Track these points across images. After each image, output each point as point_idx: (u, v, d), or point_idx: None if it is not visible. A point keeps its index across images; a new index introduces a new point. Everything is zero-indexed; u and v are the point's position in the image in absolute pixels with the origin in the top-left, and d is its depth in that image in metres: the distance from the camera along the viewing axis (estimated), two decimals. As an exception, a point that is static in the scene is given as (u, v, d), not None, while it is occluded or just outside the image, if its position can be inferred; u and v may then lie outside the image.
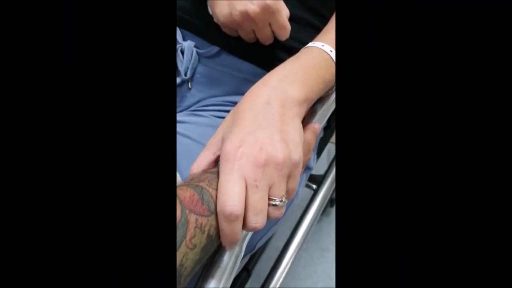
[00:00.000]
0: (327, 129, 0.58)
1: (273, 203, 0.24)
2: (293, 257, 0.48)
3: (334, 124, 0.59)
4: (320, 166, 0.60)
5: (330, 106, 0.40)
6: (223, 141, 0.26)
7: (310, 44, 0.34)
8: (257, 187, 0.23)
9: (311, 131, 0.32)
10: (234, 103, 0.30)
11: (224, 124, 0.28)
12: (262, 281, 0.47)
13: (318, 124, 0.34)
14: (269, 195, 0.24)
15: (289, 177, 0.25)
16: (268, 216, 0.24)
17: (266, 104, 0.27)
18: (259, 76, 0.33)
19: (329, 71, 0.32)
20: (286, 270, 0.48)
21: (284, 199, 0.25)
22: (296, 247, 0.47)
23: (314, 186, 0.53)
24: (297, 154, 0.25)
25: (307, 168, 0.41)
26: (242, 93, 0.30)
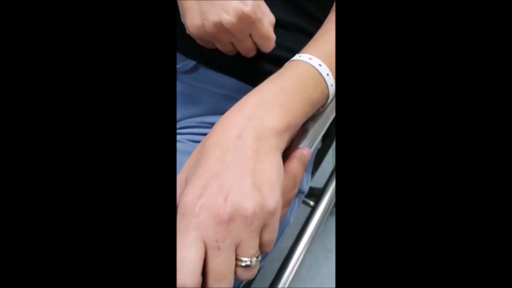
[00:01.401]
0: (326, 138, 0.54)
1: (243, 264, 0.20)
2: (299, 259, 0.44)
3: (334, 132, 0.55)
4: (319, 178, 0.56)
5: (324, 122, 0.36)
6: (186, 184, 0.22)
7: (296, 57, 0.29)
8: (219, 248, 0.19)
9: (298, 159, 0.28)
10: (212, 125, 0.26)
11: (190, 160, 0.24)
12: (267, 284, 0.44)
13: (307, 149, 0.30)
14: (236, 255, 0.20)
15: (264, 227, 0.21)
16: (238, 277, 0.20)
17: (237, 138, 0.22)
18: (242, 92, 0.29)
19: (318, 90, 0.28)
20: (293, 273, 0.45)
21: (256, 258, 0.21)
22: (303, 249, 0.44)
23: (312, 203, 0.49)
24: (272, 200, 0.21)
25: (299, 192, 0.37)
26: (222, 112, 0.26)
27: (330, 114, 0.37)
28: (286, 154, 0.31)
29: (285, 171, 0.27)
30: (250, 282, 0.46)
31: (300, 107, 0.26)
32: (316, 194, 0.50)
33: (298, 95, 0.26)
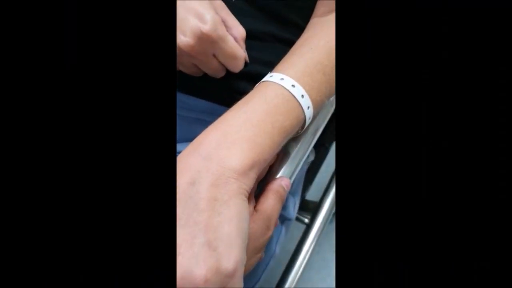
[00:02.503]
0: (320, 148, 0.50)
1: None
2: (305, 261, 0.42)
3: (329, 141, 0.51)
4: (315, 191, 0.52)
5: (309, 141, 0.32)
6: None
7: (267, 77, 0.26)
8: None
9: (274, 194, 0.25)
10: None
11: None
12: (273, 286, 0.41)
13: (287, 180, 0.27)
14: None
15: None
16: None
17: (191, 186, 0.19)
18: (216, 114, 0.26)
19: (291, 115, 0.24)
20: (298, 275, 0.42)
21: None
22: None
23: (306, 220, 0.46)
24: (230, 260, 0.18)
25: (286, 219, 0.34)
26: (193, 138, 0.23)
27: (319, 125, 0.34)
28: (264, 184, 0.28)
29: (257, 210, 0.24)
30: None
31: (269, 139, 0.23)
32: (312, 209, 0.47)
33: (267, 125, 0.23)
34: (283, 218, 0.34)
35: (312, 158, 0.49)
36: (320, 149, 0.51)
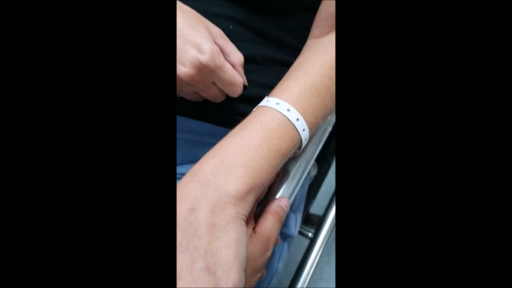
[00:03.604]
0: (323, 162, 0.51)
1: None
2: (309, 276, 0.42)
3: (331, 155, 0.52)
4: (318, 205, 0.53)
5: (308, 160, 0.33)
6: None
7: (263, 101, 0.27)
8: None
9: (273, 215, 0.26)
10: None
11: None
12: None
13: (285, 200, 0.28)
14: None
15: None
16: None
17: (190, 212, 0.20)
18: (217, 136, 0.27)
19: (287, 139, 0.25)
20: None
21: None
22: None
23: (310, 234, 0.46)
24: (229, 283, 0.19)
25: (288, 236, 0.35)
26: (196, 160, 0.24)
27: (318, 144, 0.35)
28: (264, 204, 0.29)
29: (256, 231, 0.25)
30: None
31: (266, 163, 0.24)
32: (316, 223, 0.48)
33: (263, 149, 0.24)
34: (284, 236, 0.34)
35: (314, 172, 0.50)
36: (322, 164, 0.51)
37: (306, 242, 0.46)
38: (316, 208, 0.54)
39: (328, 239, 0.46)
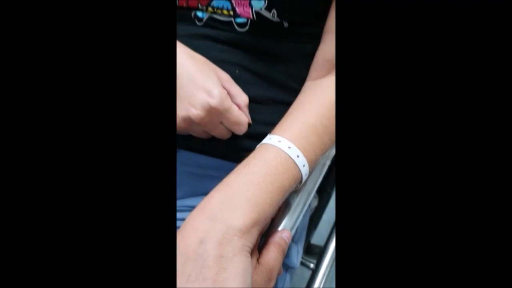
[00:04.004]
0: (323, 193, 0.52)
1: None
2: None
3: (331, 186, 0.53)
4: (319, 235, 0.54)
5: (309, 193, 0.35)
6: None
7: (266, 139, 0.30)
8: None
9: (276, 246, 0.27)
10: (192, 208, 0.26)
11: None
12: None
13: (287, 232, 0.29)
14: None
15: None
16: None
17: (199, 244, 0.22)
18: (223, 170, 0.29)
19: (288, 175, 0.28)
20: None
21: None
22: None
23: (312, 265, 0.47)
24: None
25: (290, 267, 0.36)
26: (203, 193, 0.26)
27: (317, 178, 0.37)
28: (267, 236, 0.30)
29: (260, 262, 0.26)
30: None
31: (269, 198, 0.26)
32: (317, 253, 0.49)
33: (267, 185, 0.26)
34: (286, 267, 0.36)
35: (315, 204, 0.52)
36: (323, 195, 0.53)
37: (308, 273, 0.47)
38: (318, 238, 0.55)
39: (330, 269, 0.46)
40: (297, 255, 0.36)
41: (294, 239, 0.37)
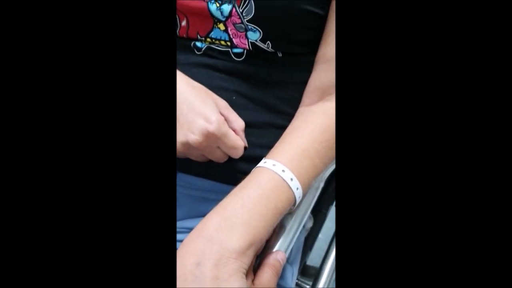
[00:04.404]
0: (318, 214, 0.53)
1: None
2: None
3: (326, 207, 0.54)
4: (315, 256, 0.54)
5: (303, 214, 0.36)
6: None
7: (261, 163, 0.31)
8: None
9: (270, 268, 0.28)
10: (190, 229, 0.27)
11: None
12: None
13: (282, 253, 0.30)
14: None
15: None
16: None
17: (196, 266, 0.23)
18: (220, 192, 0.30)
19: (283, 197, 0.29)
20: None
21: None
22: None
23: (308, 287, 0.47)
24: None
25: (284, 288, 0.36)
26: (200, 214, 0.27)
27: (311, 200, 0.38)
28: (262, 257, 0.31)
29: (254, 284, 0.27)
30: None
31: (264, 220, 0.27)
32: (313, 274, 0.49)
33: (261, 208, 0.27)
34: (281, 288, 0.36)
35: (310, 224, 0.52)
36: (318, 215, 0.54)
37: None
38: (314, 259, 0.55)
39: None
40: (291, 277, 0.37)
41: (289, 261, 0.38)
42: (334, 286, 0.63)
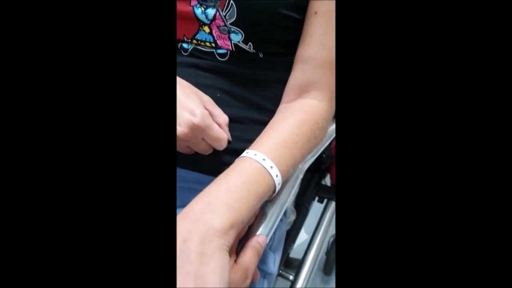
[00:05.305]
0: (301, 208, 0.56)
1: None
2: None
3: (308, 202, 0.57)
4: (298, 249, 0.57)
5: (283, 203, 0.39)
6: None
7: (244, 153, 0.34)
8: None
9: (252, 249, 0.30)
10: None
11: None
12: None
13: (263, 237, 0.32)
14: None
15: None
16: None
17: (183, 243, 0.25)
18: (205, 183, 0.32)
19: (263, 183, 0.31)
20: None
21: None
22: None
23: (291, 277, 0.49)
24: None
25: (268, 273, 0.39)
26: (185, 204, 0.29)
27: (291, 189, 0.40)
28: (244, 241, 0.33)
29: (237, 263, 0.29)
30: None
31: (245, 203, 0.29)
32: (296, 266, 0.51)
33: (243, 192, 0.29)
34: (264, 273, 0.38)
35: (293, 217, 0.55)
36: (301, 209, 0.56)
37: (287, 284, 0.49)
38: (296, 252, 0.58)
39: (308, 281, 0.49)
40: (273, 263, 0.39)
41: (271, 248, 0.40)
42: (314, 276, 0.66)
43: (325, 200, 0.63)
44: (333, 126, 0.49)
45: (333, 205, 0.60)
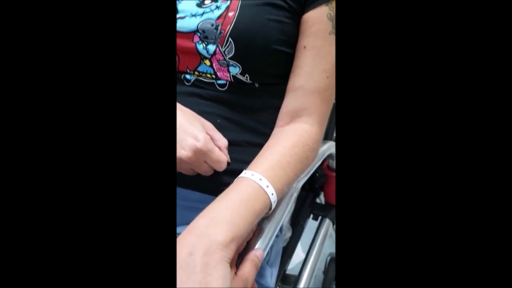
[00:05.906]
0: (297, 225, 0.59)
1: None
2: None
3: (303, 220, 0.60)
4: (294, 265, 0.59)
5: (279, 219, 0.42)
6: None
7: (242, 174, 0.37)
8: None
9: (250, 262, 0.33)
10: (179, 234, 0.32)
11: None
12: None
13: (260, 250, 0.35)
14: None
15: None
16: None
17: (189, 255, 0.28)
18: (205, 202, 0.35)
19: (260, 201, 0.34)
20: None
21: None
22: None
23: (288, 292, 0.51)
24: None
25: (264, 287, 0.41)
26: (187, 222, 0.32)
27: (286, 206, 0.43)
28: (243, 255, 0.36)
29: (236, 274, 0.32)
30: None
31: (243, 220, 0.32)
32: (292, 282, 0.53)
33: (242, 209, 0.33)
34: (261, 286, 0.41)
35: (289, 234, 0.58)
36: (296, 227, 0.59)
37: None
38: (293, 269, 0.60)
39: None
40: (271, 276, 0.42)
41: (268, 263, 0.43)
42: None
43: (320, 218, 0.66)
44: (324, 147, 0.53)
45: (327, 222, 0.62)
